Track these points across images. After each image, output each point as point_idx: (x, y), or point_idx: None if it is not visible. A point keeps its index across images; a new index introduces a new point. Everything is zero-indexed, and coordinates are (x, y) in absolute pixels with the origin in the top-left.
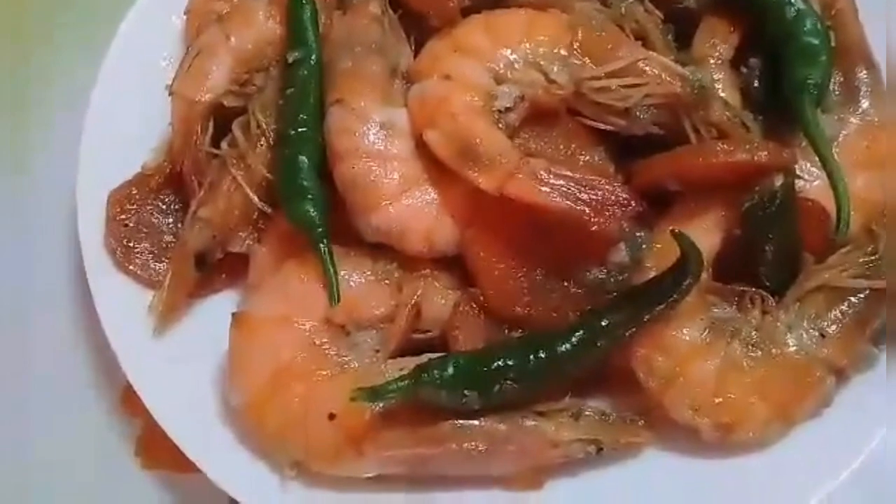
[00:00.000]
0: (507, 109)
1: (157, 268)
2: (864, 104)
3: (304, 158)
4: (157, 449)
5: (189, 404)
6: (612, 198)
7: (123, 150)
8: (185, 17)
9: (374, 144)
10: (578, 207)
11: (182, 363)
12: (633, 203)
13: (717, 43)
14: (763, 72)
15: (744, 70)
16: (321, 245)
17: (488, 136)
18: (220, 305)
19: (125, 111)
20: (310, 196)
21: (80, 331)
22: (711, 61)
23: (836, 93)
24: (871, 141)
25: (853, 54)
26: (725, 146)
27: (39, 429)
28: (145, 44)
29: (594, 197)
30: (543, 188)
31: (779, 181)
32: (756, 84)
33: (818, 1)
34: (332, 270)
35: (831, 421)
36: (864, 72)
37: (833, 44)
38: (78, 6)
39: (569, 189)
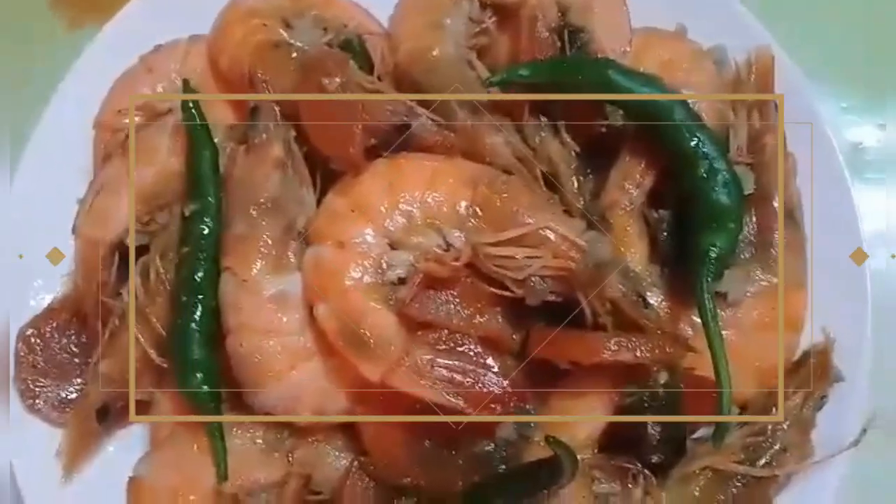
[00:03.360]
0: (401, 281)
1: (66, 408)
2: (774, 262)
3: (195, 328)
4: None
5: None
6: (494, 393)
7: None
8: (93, 130)
9: (263, 320)
10: (459, 403)
11: None
12: (513, 401)
13: (628, 187)
14: (672, 222)
15: (655, 215)
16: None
17: (375, 320)
18: (130, 442)
19: (37, 230)
20: (199, 371)
21: None
22: (621, 212)
23: (750, 242)
24: (776, 301)
25: (771, 203)
26: (612, 343)
27: None
28: (58, 154)
29: (476, 390)
30: (424, 381)
31: (662, 379)
32: (664, 234)
33: (747, 131)
34: (220, 448)
35: None
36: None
37: (752, 187)
38: None
39: (451, 380)
